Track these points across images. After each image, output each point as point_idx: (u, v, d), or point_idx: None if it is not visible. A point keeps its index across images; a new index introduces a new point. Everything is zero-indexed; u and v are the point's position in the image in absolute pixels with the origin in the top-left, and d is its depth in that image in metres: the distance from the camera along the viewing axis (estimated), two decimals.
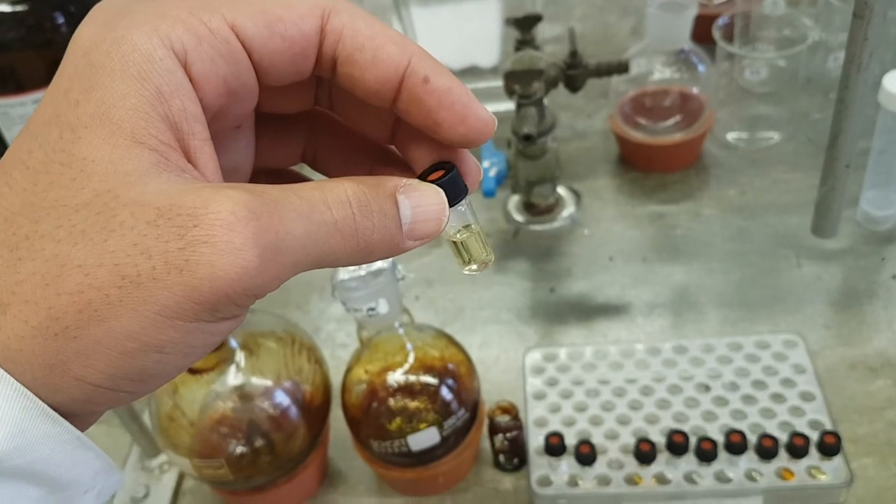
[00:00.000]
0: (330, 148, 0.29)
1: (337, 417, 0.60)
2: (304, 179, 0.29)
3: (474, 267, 0.27)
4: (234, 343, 0.54)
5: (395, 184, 0.24)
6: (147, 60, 0.21)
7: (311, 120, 0.28)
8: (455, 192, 0.25)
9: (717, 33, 0.78)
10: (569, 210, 0.81)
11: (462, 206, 0.26)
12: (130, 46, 0.21)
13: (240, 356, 0.55)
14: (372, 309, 0.53)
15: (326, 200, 0.22)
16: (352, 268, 0.54)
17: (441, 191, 0.24)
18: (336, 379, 0.60)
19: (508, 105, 0.74)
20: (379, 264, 0.54)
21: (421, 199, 0.24)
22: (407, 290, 0.75)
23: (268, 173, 0.29)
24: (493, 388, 0.65)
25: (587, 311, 0.71)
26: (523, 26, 0.68)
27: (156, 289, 0.19)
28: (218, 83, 0.22)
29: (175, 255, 0.19)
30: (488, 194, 0.78)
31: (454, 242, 0.27)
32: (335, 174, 0.29)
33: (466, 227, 0.26)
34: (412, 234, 0.24)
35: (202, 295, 0.19)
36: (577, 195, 0.82)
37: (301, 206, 0.21)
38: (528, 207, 0.81)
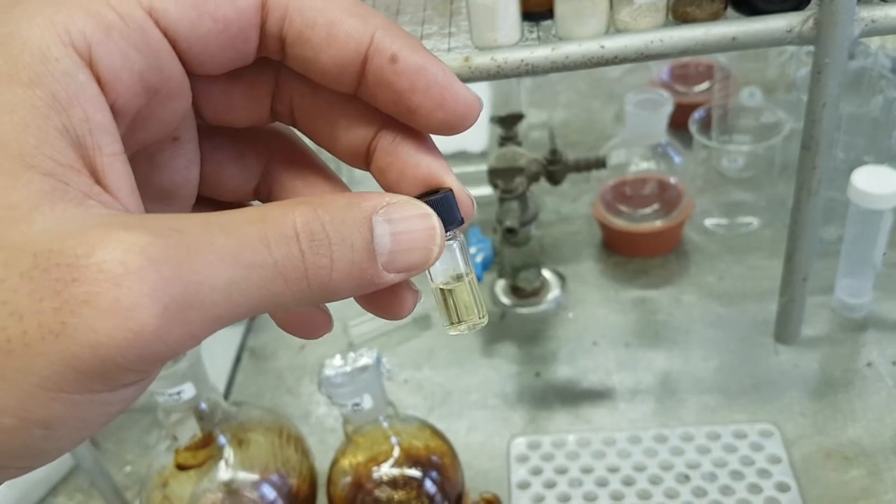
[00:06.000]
0: (289, 178, 0.24)
1: None
2: None
3: (463, 327, 0.22)
4: (223, 440, 0.56)
5: (373, 204, 0.19)
6: (40, 61, 0.17)
7: (268, 141, 0.24)
8: (448, 216, 0.20)
9: (693, 127, 0.81)
10: (554, 293, 0.83)
11: (454, 244, 0.21)
12: (19, 45, 0.17)
13: (228, 452, 0.56)
14: (356, 404, 0.55)
15: (265, 235, 0.18)
16: (337, 364, 0.56)
17: (432, 212, 0.20)
18: (323, 466, 0.62)
19: None
20: (364, 360, 0.56)
21: (406, 224, 0.19)
22: (395, 374, 0.77)
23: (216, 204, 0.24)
24: (478, 476, 0.66)
25: (572, 397, 0.73)
26: (507, 124, 0.72)
27: (29, 357, 0.16)
28: (133, 81, 0.19)
29: (50, 316, 0.16)
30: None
31: (441, 291, 0.22)
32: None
33: (458, 276, 0.22)
34: (392, 265, 0.19)
35: (85, 364, 0.16)
36: (561, 278, 0.84)
37: (226, 246, 0.17)
38: (515, 291, 0.83)
